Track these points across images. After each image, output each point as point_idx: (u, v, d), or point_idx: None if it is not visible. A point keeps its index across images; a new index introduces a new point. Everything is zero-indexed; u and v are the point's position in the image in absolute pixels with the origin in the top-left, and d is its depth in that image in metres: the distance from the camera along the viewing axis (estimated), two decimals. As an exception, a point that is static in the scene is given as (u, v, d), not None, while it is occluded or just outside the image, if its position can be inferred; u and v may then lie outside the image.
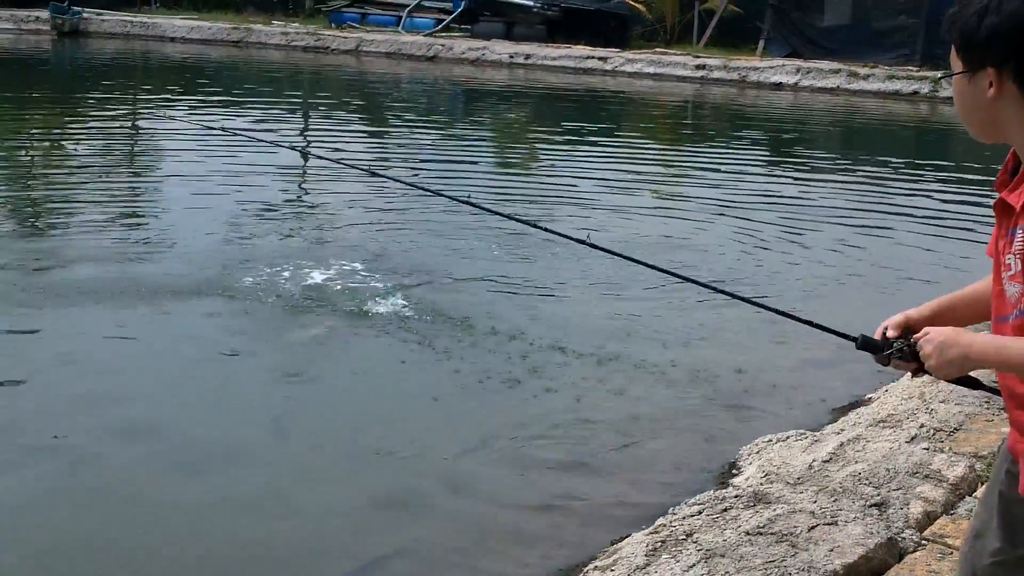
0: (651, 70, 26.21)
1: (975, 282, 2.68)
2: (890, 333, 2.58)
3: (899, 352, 2.53)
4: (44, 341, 6.83)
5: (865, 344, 2.61)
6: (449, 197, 4.35)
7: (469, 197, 3.96)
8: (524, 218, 4.49)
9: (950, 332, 2.43)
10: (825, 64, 25.38)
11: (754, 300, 3.14)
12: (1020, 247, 2.29)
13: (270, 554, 4.56)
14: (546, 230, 3.70)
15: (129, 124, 17.00)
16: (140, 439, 5.49)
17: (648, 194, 12.57)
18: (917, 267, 9.65)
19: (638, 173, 14.18)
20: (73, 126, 16.15)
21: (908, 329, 2.60)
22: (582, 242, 3.29)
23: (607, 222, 10.64)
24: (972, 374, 2.67)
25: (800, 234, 10.65)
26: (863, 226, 11.11)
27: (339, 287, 7.90)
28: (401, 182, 6.98)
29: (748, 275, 8.98)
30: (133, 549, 4.53)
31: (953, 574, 2.77)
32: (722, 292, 3.20)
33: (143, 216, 10.40)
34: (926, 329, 2.49)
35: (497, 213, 4.00)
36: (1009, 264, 2.34)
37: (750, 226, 10.84)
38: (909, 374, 2.62)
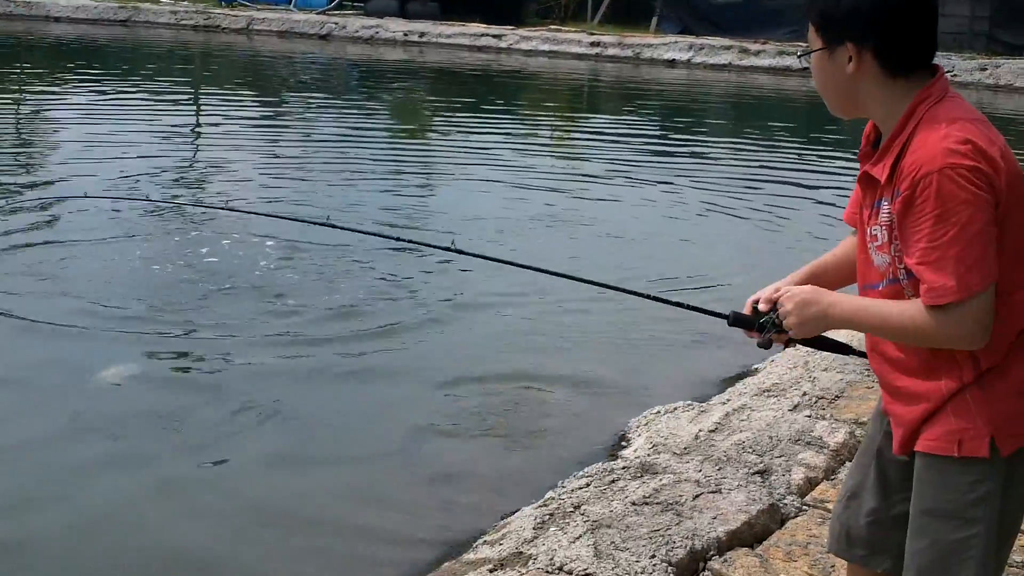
0: (546, 47, 26.26)
1: (838, 245, 2.74)
2: (761, 307, 2.58)
3: (771, 325, 2.54)
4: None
5: (736, 320, 2.62)
6: (306, 221, 4.24)
7: (328, 217, 3.74)
8: (387, 233, 4.38)
9: (810, 291, 2.48)
10: (717, 41, 25.69)
11: (618, 287, 3.10)
12: (886, 219, 2.36)
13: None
14: (410, 241, 3.65)
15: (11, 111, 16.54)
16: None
17: (539, 169, 12.58)
18: (802, 234, 9.85)
19: (529, 150, 14.21)
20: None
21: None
22: (448, 249, 3.23)
23: (495, 199, 10.67)
24: (843, 339, 2.73)
25: (687, 206, 10.83)
26: (751, 196, 11.30)
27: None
28: (256, 214, 6.51)
29: (632, 248, 9.08)
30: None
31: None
32: (586, 281, 3.17)
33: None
34: (786, 288, 2.53)
35: (358, 231, 3.88)
36: (876, 235, 2.41)
37: (638, 199, 10.99)
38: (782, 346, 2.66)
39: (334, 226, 3.70)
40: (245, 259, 8.09)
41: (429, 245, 3.51)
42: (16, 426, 5.40)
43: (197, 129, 15.27)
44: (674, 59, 25.08)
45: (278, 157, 12.75)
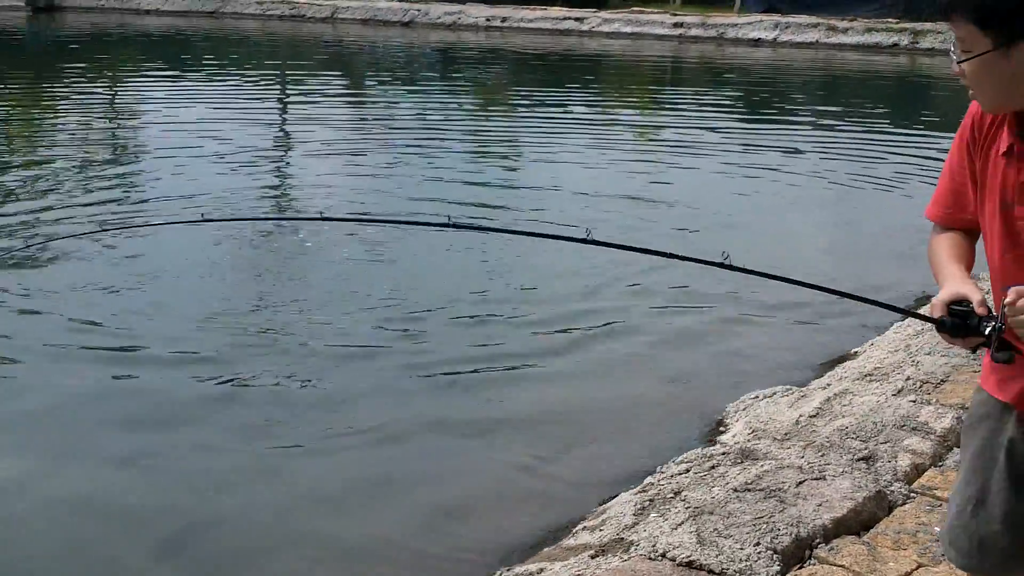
0: (628, 29, 26.07)
1: (943, 243, 2.48)
2: (980, 310, 2.23)
3: (997, 333, 2.21)
4: None
5: (954, 327, 2.26)
6: (428, 224, 3.91)
7: (449, 219, 3.26)
8: (516, 228, 3.81)
9: None
10: (803, 19, 25.29)
11: (816, 285, 2.75)
12: None
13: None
14: (541, 235, 3.11)
15: (106, 102, 16.83)
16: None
17: (648, 158, 12.46)
18: (911, 211, 9.68)
19: (623, 136, 14.09)
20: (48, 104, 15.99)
21: (971, 303, 2.27)
22: (584, 241, 2.85)
23: (604, 189, 10.58)
24: None
25: (795, 192, 10.69)
26: (856, 180, 11.12)
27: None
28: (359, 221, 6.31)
29: (763, 234, 9.02)
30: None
31: (942, 536, 2.58)
32: (768, 276, 2.74)
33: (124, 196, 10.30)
34: (1015, 289, 2.18)
35: (484, 229, 3.61)
36: None
37: (746, 187, 10.85)
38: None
39: (459, 226, 3.21)
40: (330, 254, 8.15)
41: (563, 237, 3.01)
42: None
43: (284, 116, 15.43)
44: (759, 38, 24.75)
45: (381, 150, 12.79)
